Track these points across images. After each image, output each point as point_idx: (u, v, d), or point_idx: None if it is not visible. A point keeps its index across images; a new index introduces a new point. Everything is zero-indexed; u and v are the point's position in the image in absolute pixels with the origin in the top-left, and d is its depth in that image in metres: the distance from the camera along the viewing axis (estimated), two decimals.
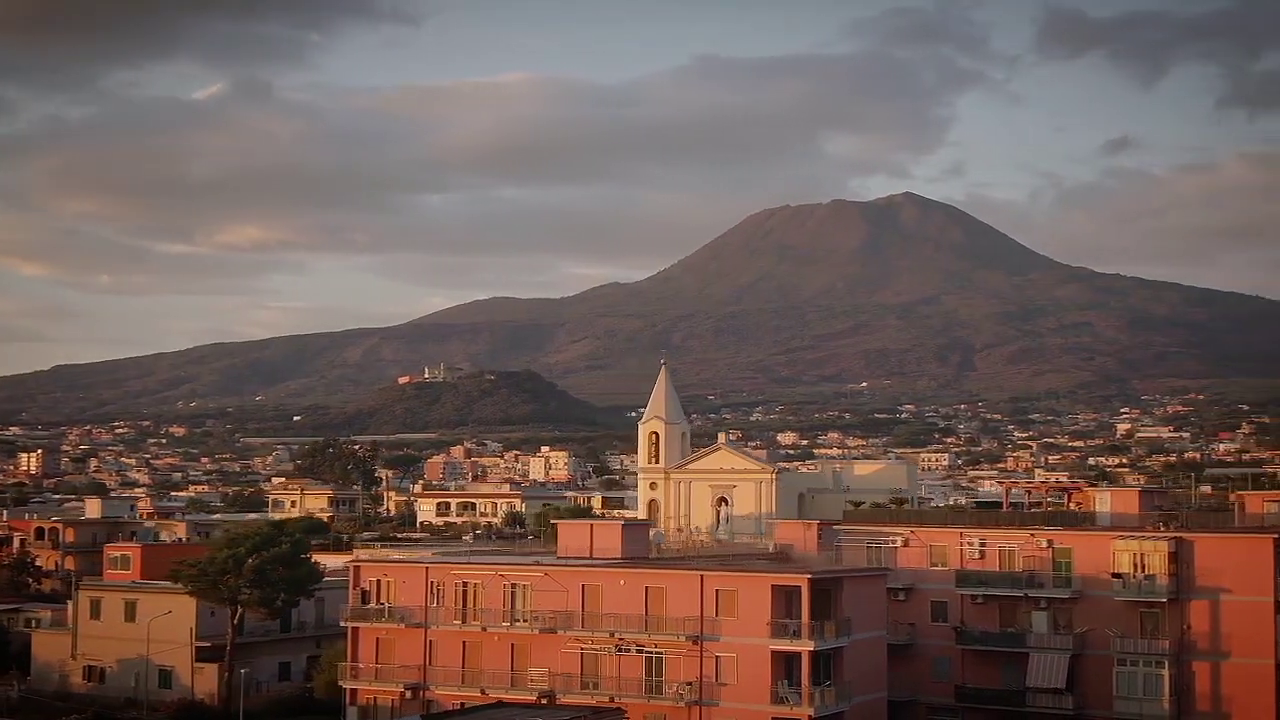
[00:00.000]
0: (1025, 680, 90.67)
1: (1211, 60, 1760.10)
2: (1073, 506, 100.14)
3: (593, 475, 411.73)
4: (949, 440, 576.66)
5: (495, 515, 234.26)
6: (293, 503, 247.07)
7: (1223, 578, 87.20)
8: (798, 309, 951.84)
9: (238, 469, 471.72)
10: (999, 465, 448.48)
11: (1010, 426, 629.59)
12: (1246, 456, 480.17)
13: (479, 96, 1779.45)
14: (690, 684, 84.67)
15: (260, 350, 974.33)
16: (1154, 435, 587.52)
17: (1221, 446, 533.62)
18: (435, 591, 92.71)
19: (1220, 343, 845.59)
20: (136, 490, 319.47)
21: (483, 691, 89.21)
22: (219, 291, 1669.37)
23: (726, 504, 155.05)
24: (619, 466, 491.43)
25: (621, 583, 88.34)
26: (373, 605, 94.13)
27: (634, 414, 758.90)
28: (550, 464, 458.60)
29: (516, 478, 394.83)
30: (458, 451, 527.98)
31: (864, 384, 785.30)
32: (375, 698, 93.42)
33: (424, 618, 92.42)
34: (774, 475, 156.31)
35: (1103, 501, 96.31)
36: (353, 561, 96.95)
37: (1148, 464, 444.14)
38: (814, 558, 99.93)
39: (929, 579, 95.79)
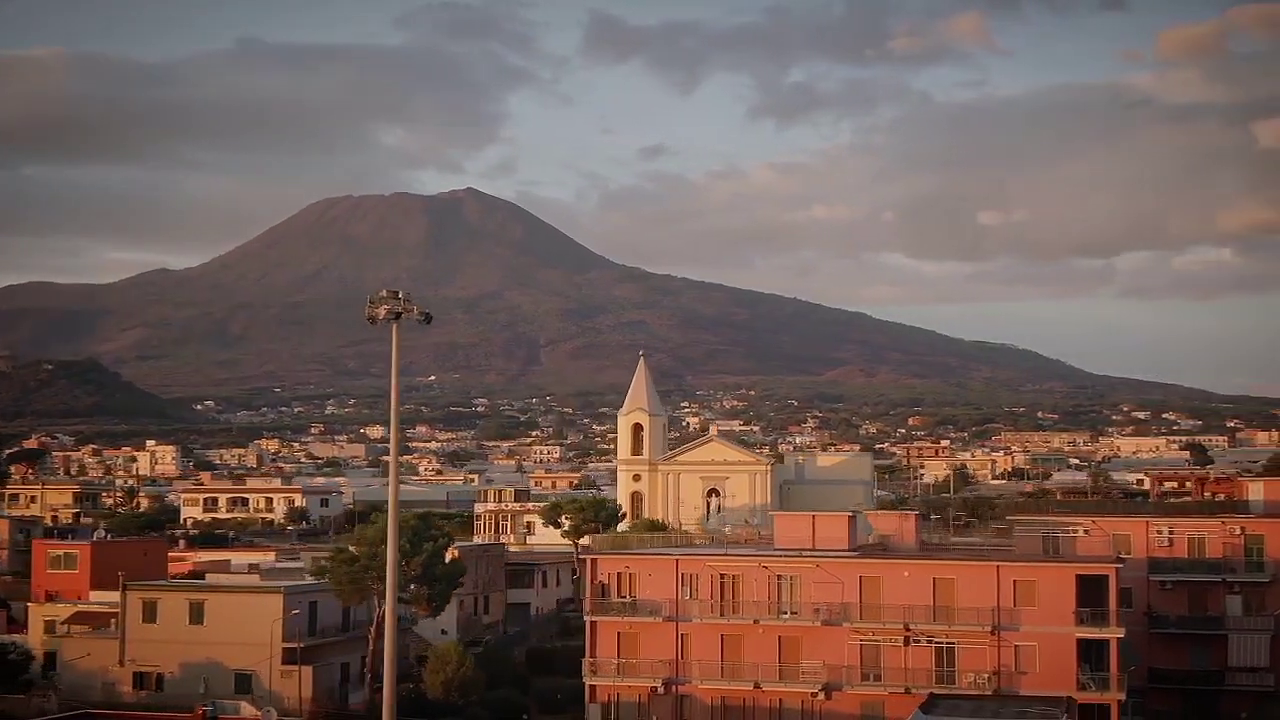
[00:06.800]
0: (1226, 661, 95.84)
1: (743, 71, 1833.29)
2: (1206, 495, 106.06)
3: (196, 471, 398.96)
4: (534, 434, 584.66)
5: (271, 511, 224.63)
6: (32, 498, 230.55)
7: None
8: (362, 300, 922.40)
9: None
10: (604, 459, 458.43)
11: (586, 420, 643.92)
12: (831, 449, 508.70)
13: (4, 69, 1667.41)
14: (992, 673, 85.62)
15: None
16: (728, 428, 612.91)
17: (798, 440, 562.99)
18: (688, 584, 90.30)
19: (763, 341, 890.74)
20: None
21: (756, 686, 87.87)
22: None
23: (718, 495, 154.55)
24: (220, 462, 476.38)
25: (906, 574, 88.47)
26: (615, 599, 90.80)
27: (201, 406, 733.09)
28: (156, 459, 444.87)
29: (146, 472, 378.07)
30: (30, 444, 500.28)
31: (433, 377, 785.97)
32: (619, 693, 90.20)
33: (675, 611, 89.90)
34: (769, 467, 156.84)
35: (1255, 490, 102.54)
36: (588, 554, 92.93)
37: None
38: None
39: None
